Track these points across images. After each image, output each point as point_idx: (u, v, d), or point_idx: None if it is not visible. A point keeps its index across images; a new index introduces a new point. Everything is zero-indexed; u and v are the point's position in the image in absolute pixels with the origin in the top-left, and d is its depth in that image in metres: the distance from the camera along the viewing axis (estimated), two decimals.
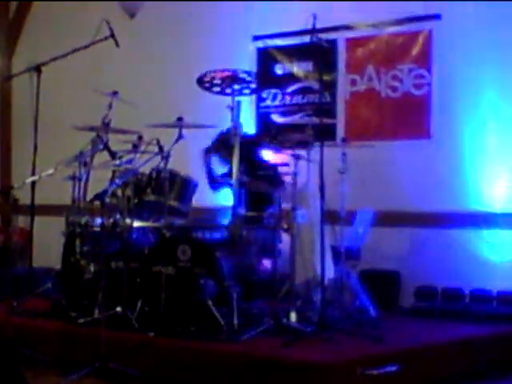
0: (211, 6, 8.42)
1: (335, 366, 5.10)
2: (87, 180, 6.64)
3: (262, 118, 8.24)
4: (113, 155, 6.46)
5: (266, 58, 8.23)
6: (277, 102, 8.20)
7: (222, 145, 6.99)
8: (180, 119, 6.36)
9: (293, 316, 5.92)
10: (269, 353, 5.33)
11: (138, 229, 6.51)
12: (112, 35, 6.77)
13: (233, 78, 6.19)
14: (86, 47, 6.82)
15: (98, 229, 6.32)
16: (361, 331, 5.88)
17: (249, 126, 7.51)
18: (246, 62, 8.04)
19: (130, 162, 6.32)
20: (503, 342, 6.33)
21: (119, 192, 6.27)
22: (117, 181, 6.23)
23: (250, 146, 6.67)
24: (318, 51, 6.09)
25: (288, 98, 8.14)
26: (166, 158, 6.37)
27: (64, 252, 6.67)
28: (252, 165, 6.87)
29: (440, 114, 7.38)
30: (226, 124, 6.52)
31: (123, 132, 6.60)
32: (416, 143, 7.48)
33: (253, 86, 6.33)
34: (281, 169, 6.70)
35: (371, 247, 6.87)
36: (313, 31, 5.92)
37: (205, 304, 5.79)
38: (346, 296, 6.35)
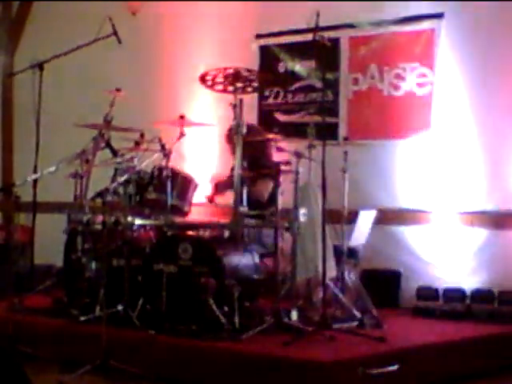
0: (214, 4, 8.41)
1: (336, 365, 5.09)
2: (89, 178, 6.64)
3: (265, 116, 8.22)
4: (115, 153, 6.46)
5: (268, 56, 8.22)
6: (279, 100, 8.19)
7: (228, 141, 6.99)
8: (182, 117, 6.37)
9: (294, 315, 5.92)
10: (270, 352, 5.33)
11: (140, 227, 6.51)
12: (114, 32, 6.77)
13: (235, 76, 6.17)
14: (88, 44, 6.81)
15: (99, 227, 6.32)
16: (362, 330, 5.88)
17: None
18: (248, 59, 8.03)
19: (131, 159, 6.33)
20: (504, 341, 6.32)
21: (121, 190, 6.27)
22: (118, 179, 6.23)
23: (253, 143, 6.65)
24: (321, 49, 6.07)
25: (290, 96, 8.13)
26: (167, 155, 6.38)
27: (65, 250, 6.69)
28: (254, 162, 6.86)
29: (443, 112, 7.36)
30: (228, 122, 6.50)
31: (125, 130, 6.60)
32: (418, 142, 7.46)
33: (255, 84, 6.31)
34: (283, 167, 6.68)
35: (373, 246, 6.85)
36: (315, 29, 5.91)
37: (206, 302, 5.78)
38: (347, 295, 6.35)
